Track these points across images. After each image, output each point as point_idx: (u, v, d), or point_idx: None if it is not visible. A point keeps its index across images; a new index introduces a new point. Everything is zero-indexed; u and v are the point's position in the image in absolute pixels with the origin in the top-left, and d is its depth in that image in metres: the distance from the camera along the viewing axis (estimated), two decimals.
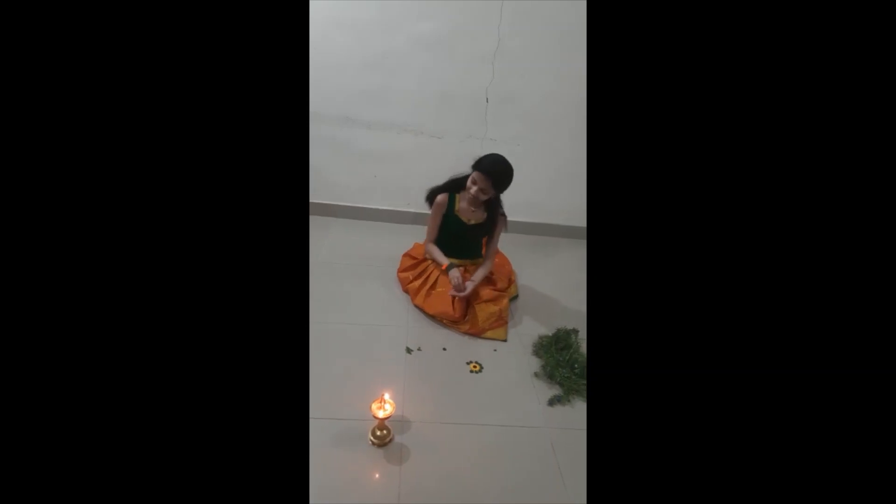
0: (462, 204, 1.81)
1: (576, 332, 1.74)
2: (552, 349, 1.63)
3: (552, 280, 2.15)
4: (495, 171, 1.67)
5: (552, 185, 2.48)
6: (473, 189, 1.69)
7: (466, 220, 1.82)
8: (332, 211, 2.48)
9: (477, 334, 1.72)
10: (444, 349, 1.64)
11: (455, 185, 1.80)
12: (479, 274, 1.81)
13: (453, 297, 1.72)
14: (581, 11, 2.06)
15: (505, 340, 1.73)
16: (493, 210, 1.80)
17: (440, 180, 1.85)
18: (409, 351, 1.61)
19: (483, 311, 1.75)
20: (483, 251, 1.93)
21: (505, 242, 2.27)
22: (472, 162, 1.71)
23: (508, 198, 1.95)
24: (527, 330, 1.79)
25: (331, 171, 2.38)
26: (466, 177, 1.74)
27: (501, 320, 1.76)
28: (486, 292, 1.80)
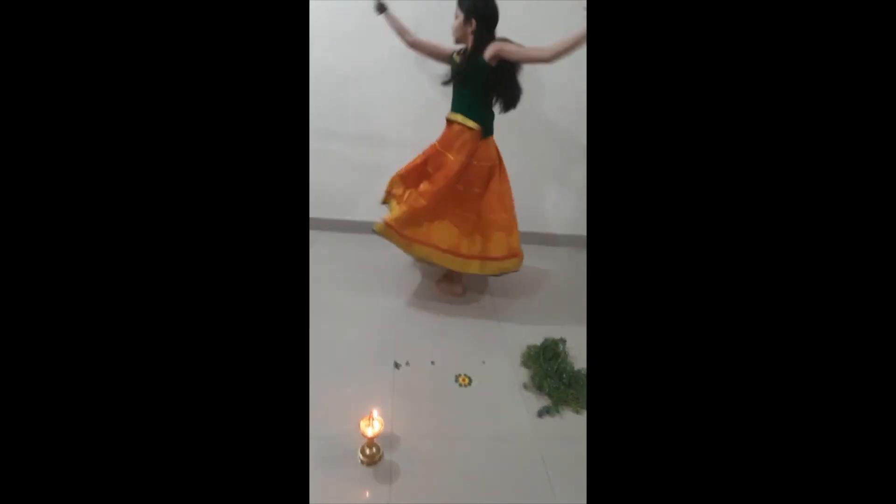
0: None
1: (563, 341, 1.75)
2: (540, 359, 1.63)
3: (538, 289, 2.16)
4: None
5: (535, 195, 2.49)
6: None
7: (457, 59, 1.72)
8: (315, 224, 2.46)
9: (486, 265, 1.84)
10: (433, 363, 1.63)
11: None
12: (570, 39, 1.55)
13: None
14: (565, 23, 2.09)
15: (517, 270, 1.88)
16: (477, 42, 1.63)
17: None
18: (396, 366, 1.60)
19: (498, 241, 1.83)
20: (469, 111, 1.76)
21: None
22: None
23: None
24: (514, 340, 1.79)
25: (314, 184, 2.36)
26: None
27: (513, 251, 1.83)
28: (498, 217, 1.86)
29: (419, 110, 2.23)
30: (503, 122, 2.38)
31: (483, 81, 1.67)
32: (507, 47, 1.60)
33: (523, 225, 2.53)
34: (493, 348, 1.75)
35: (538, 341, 1.75)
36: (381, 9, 1.78)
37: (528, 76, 1.93)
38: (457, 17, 1.64)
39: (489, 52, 1.61)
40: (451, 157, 1.76)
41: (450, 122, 1.79)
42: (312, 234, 2.39)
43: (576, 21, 1.55)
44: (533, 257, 2.44)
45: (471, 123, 1.73)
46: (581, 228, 2.57)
